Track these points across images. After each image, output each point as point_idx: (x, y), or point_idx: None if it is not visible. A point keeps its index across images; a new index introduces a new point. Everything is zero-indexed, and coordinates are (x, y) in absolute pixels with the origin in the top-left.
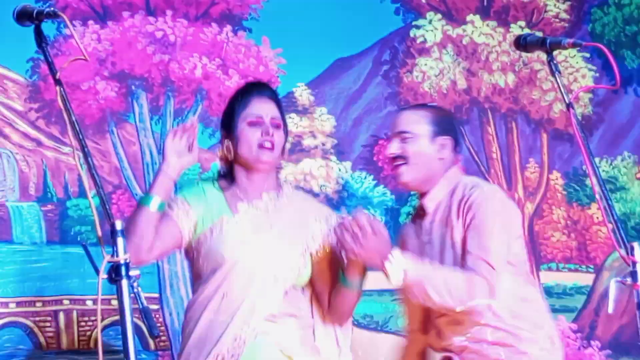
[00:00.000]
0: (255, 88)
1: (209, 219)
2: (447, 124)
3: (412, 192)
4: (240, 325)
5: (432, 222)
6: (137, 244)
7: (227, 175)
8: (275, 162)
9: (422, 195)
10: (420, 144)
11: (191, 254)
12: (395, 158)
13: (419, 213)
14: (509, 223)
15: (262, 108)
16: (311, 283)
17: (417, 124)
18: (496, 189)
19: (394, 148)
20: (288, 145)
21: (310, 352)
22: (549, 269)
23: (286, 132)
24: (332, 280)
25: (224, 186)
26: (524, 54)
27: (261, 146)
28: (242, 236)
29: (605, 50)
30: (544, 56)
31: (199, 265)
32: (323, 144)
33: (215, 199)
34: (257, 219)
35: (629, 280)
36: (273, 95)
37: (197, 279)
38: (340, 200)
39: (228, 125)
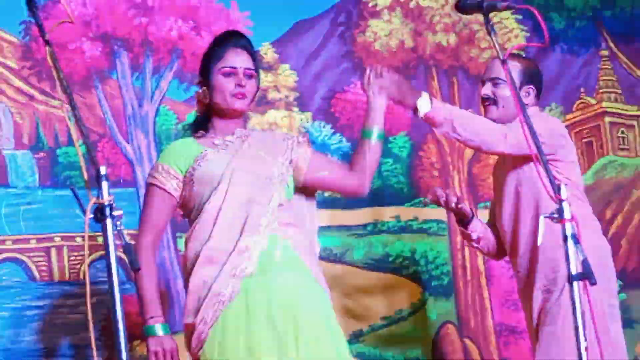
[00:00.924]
0: (231, 38)
1: (192, 159)
2: (533, 74)
3: None
4: (247, 238)
5: None
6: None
7: (202, 122)
8: (247, 109)
9: None
10: (508, 89)
11: (184, 195)
12: (486, 99)
13: None
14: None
15: (236, 59)
16: (316, 181)
17: (510, 71)
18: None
19: (487, 90)
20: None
21: (310, 255)
22: (486, 207)
23: (258, 81)
24: (332, 165)
25: (199, 136)
26: (463, 16)
27: (234, 95)
28: (226, 159)
29: (536, 12)
30: (481, 18)
31: (193, 195)
32: (286, 97)
33: (193, 146)
34: (235, 146)
35: (556, 216)
36: (248, 46)
37: (195, 208)
38: None
39: (205, 73)
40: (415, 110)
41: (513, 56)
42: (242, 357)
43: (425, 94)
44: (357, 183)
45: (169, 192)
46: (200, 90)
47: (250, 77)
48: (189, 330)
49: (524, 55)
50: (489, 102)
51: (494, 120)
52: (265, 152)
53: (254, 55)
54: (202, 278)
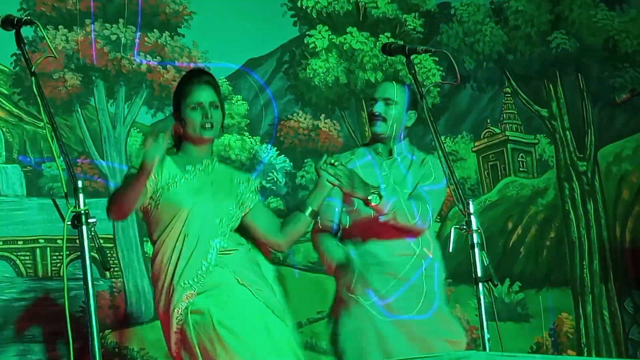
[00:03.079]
0: (195, 76)
1: (165, 178)
2: (416, 101)
3: (305, 160)
4: (200, 259)
5: (394, 163)
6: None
7: (175, 145)
8: (215, 136)
9: (381, 141)
10: (398, 110)
11: (149, 206)
12: (376, 115)
13: (379, 153)
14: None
15: (201, 95)
16: (250, 227)
17: (399, 95)
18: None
19: (379, 108)
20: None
21: (254, 273)
22: None
23: (223, 110)
24: (268, 220)
25: (172, 154)
26: (389, 57)
27: (203, 126)
28: (192, 190)
29: (449, 55)
30: (404, 59)
31: (158, 214)
32: (239, 123)
33: (167, 161)
34: (201, 178)
35: (464, 227)
36: (211, 81)
37: (157, 225)
38: (251, 165)
39: (176, 109)
40: (366, 201)
41: (400, 82)
42: None
43: (375, 190)
44: (280, 244)
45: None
46: (175, 124)
47: (215, 107)
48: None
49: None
50: (378, 118)
51: (380, 135)
52: (224, 194)
53: (217, 88)
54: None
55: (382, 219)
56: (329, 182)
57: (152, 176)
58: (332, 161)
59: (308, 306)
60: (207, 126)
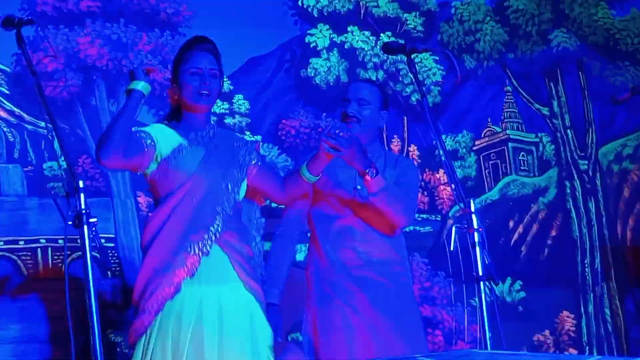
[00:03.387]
0: (197, 42)
1: (169, 147)
2: (387, 102)
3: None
4: (203, 229)
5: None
6: (116, 144)
7: (174, 115)
8: (212, 105)
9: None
10: (372, 111)
11: (156, 175)
12: (352, 116)
13: None
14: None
15: (201, 60)
16: (256, 186)
17: (372, 95)
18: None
19: (353, 109)
20: (211, 122)
21: (248, 260)
22: None
23: (222, 80)
24: (274, 180)
25: (173, 124)
26: (390, 56)
27: (199, 93)
28: (198, 157)
29: (450, 54)
30: (405, 58)
31: (166, 182)
32: (240, 122)
33: (169, 133)
34: (205, 144)
35: (466, 226)
36: (213, 49)
37: (163, 193)
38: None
39: (175, 73)
40: (362, 173)
41: (371, 82)
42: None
43: (374, 165)
44: (283, 200)
45: (145, 150)
46: (171, 88)
47: (214, 76)
48: None
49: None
50: (352, 119)
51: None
52: (229, 160)
53: (218, 57)
54: (152, 265)
55: (370, 197)
56: (327, 154)
57: (153, 142)
58: (336, 131)
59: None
60: (203, 92)
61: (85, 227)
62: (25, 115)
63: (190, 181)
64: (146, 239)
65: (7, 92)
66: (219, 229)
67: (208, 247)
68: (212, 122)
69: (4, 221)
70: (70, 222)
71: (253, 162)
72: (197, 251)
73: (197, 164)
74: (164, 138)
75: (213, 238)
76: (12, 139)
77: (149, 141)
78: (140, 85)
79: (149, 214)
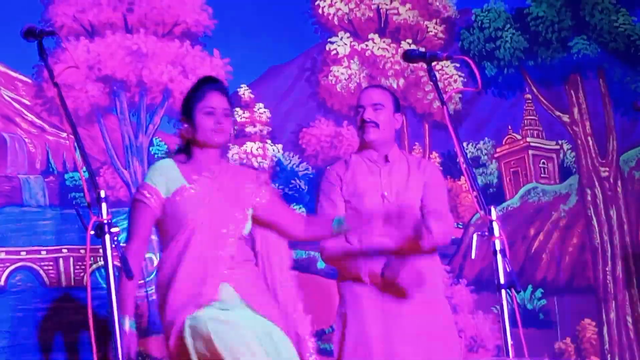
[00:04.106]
0: (209, 83)
1: (172, 188)
2: (399, 105)
3: (327, 167)
4: (210, 272)
5: (392, 169)
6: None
7: (184, 151)
8: (226, 143)
9: (374, 149)
10: (387, 114)
11: (160, 219)
12: (368, 122)
13: (374, 161)
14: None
15: (214, 101)
16: (273, 222)
17: (386, 99)
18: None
19: (369, 114)
20: (232, 131)
21: (260, 291)
22: None
23: (234, 119)
24: (288, 214)
25: (181, 160)
26: (411, 64)
27: (214, 131)
28: (198, 201)
29: (471, 61)
30: (425, 66)
31: (166, 226)
32: (261, 131)
33: (174, 172)
34: (208, 186)
35: (487, 234)
36: (224, 90)
37: (165, 236)
38: (274, 173)
39: (187, 113)
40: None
41: (381, 87)
42: None
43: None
44: (300, 237)
45: (151, 208)
46: (183, 127)
47: (227, 115)
48: None
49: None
50: (371, 124)
51: (374, 141)
52: (232, 202)
53: (229, 97)
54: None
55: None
56: None
57: (155, 193)
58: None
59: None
60: (218, 133)
61: (107, 236)
62: (46, 126)
63: (190, 224)
64: (159, 283)
65: (29, 102)
66: (225, 271)
67: (217, 292)
68: (222, 160)
69: (26, 231)
70: (92, 232)
71: (257, 200)
72: (206, 300)
73: (196, 207)
74: (166, 180)
75: (219, 282)
76: (33, 150)
77: (153, 202)
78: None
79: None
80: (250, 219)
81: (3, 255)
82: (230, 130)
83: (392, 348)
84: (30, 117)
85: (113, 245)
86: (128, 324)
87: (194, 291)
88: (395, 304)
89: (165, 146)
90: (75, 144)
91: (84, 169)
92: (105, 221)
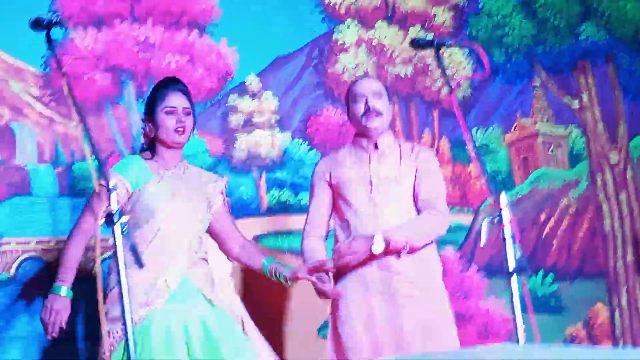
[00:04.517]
0: (170, 83)
1: (141, 181)
2: (389, 92)
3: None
4: (172, 263)
5: (382, 156)
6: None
7: (148, 149)
8: (186, 141)
9: (368, 137)
10: (387, 102)
11: (127, 206)
12: (371, 111)
13: (364, 148)
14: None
15: (175, 100)
16: (215, 231)
17: (382, 88)
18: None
19: (374, 103)
20: (240, 120)
21: (211, 286)
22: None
23: (195, 117)
24: (229, 231)
25: (147, 157)
26: (418, 52)
27: (176, 130)
28: (165, 195)
29: (479, 48)
30: (433, 53)
31: (134, 218)
32: (269, 119)
33: (142, 167)
34: (173, 182)
35: (496, 220)
36: (184, 89)
37: (133, 227)
38: (282, 162)
39: (150, 112)
40: (373, 255)
41: (371, 76)
42: None
43: (378, 236)
44: (231, 256)
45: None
46: (147, 126)
47: (187, 114)
48: None
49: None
50: (375, 113)
51: (377, 128)
52: (195, 200)
53: (189, 96)
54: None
55: (403, 252)
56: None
57: (124, 182)
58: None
59: None
60: (179, 130)
61: (117, 225)
62: (55, 117)
63: (158, 215)
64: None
65: (37, 93)
66: (187, 262)
67: (177, 280)
68: (185, 161)
69: (35, 222)
70: (102, 221)
71: (214, 207)
72: (165, 286)
73: (166, 199)
74: (135, 173)
75: (180, 272)
76: (42, 140)
77: (123, 191)
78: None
79: None
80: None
81: (13, 246)
82: (192, 128)
83: (384, 336)
84: (39, 107)
85: (123, 235)
86: (64, 291)
87: (153, 281)
88: (389, 294)
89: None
90: (84, 134)
91: (93, 158)
92: (115, 210)
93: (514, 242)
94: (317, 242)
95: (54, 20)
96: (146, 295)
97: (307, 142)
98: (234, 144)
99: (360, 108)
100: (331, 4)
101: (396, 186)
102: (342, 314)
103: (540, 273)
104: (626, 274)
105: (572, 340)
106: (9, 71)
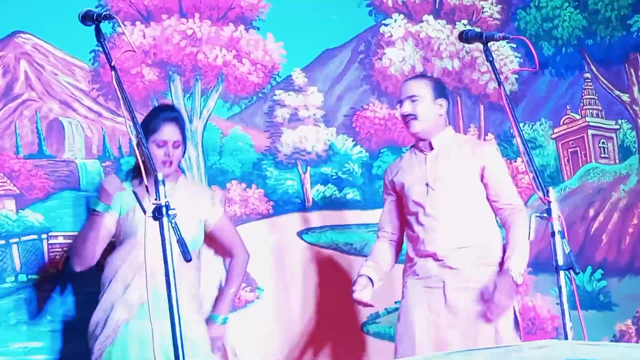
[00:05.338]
0: (163, 113)
1: (125, 208)
2: (442, 89)
3: (381, 150)
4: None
5: (438, 156)
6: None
7: (138, 169)
8: (172, 172)
9: (424, 139)
10: (426, 104)
11: (115, 231)
12: (407, 115)
13: (422, 149)
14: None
15: (168, 133)
16: (217, 240)
17: (422, 89)
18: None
19: (407, 108)
20: (286, 115)
21: (194, 307)
22: None
23: (185, 146)
24: (225, 244)
25: (135, 184)
26: (466, 45)
27: (163, 162)
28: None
29: (528, 41)
30: (481, 46)
31: (119, 243)
32: (314, 115)
33: (128, 194)
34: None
35: (545, 215)
36: (178, 118)
37: (118, 252)
38: (328, 157)
39: (144, 140)
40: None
41: (419, 76)
42: None
43: (513, 272)
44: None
45: (109, 230)
46: (139, 149)
47: (177, 147)
48: None
49: (431, 75)
50: (410, 117)
51: (417, 134)
52: (185, 215)
53: (182, 125)
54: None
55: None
56: None
57: (111, 210)
58: None
59: (386, 296)
60: (166, 163)
61: (165, 218)
62: (103, 111)
63: (140, 242)
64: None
65: (86, 88)
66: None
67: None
68: (178, 177)
69: (84, 216)
70: (150, 215)
71: (207, 218)
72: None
73: (148, 224)
74: (122, 201)
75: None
76: (90, 135)
77: (108, 222)
78: (101, 207)
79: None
80: (203, 232)
81: (61, 240)
82: (179, 159)
83: (436, 336)
84: (87, 102)
85: (172, 227)
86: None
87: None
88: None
89: (219, 130)
90: (132, 129)
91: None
92: (163, 203)
93: (562, 238)
94: (382, 245)
95: (103, 14)
96: (126, 310)
97: (352, 138)
98: (280, 139)
99: (400, 115)
100: None
101: (454, 185)
102: (403, 305)
103: (589, 269)
104: None
105: (621, 337)
106: (57, 66)
